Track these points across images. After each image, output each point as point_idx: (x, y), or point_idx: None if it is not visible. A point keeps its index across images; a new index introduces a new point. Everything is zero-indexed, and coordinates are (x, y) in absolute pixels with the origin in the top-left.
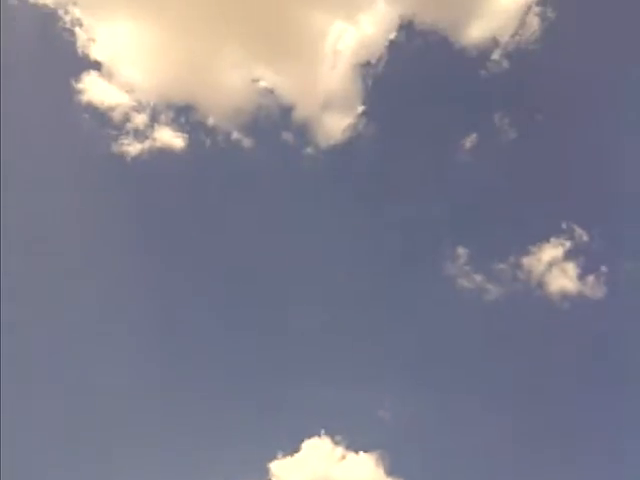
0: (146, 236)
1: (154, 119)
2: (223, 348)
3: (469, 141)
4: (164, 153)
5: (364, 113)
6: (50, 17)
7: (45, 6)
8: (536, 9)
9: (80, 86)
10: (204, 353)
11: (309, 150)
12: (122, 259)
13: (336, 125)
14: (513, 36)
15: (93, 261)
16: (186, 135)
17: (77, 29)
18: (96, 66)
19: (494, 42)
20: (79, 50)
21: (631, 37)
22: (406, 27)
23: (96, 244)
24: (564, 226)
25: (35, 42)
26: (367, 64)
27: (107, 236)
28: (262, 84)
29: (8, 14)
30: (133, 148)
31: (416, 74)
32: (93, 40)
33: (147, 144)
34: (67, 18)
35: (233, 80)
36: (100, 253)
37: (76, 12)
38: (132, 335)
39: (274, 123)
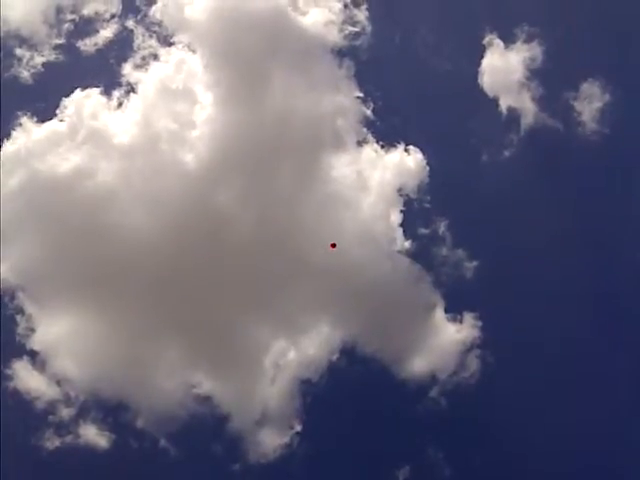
0: None
1: (80, 414)
2: None
3: (402, 473)
4: (85, 451)
5: (299, 433)
6: None
7: None
8: (476, 351)
9: (9, 372)
10: None
11: (237, 466)
12: None
13: (270, 442)
14: (452, 375)
15: None
16: (112, 435)
17: (19, 317)
18: (31, 354)
19: (433, 379)
20: (17, 338)
21: None
22: (348, 351)
23: None
24: None
25: None
26: (307, 382)
27: None
28: (199, 391)
29: None
30: (51, 443)
31: (355, 398)
32: (32, 330)
33: (69, 439)
34: (11, 304)
35: (169, 384)
36: None
37: (20, 296)
38: None
39: (206, 433)
